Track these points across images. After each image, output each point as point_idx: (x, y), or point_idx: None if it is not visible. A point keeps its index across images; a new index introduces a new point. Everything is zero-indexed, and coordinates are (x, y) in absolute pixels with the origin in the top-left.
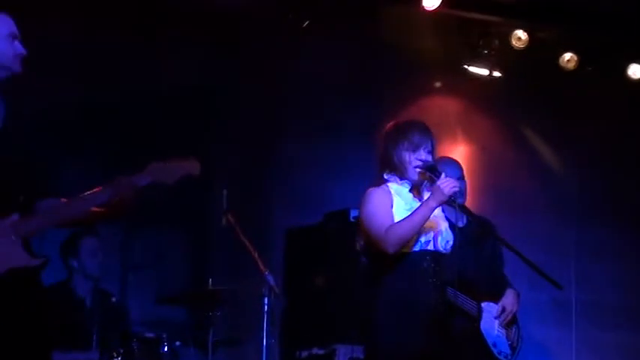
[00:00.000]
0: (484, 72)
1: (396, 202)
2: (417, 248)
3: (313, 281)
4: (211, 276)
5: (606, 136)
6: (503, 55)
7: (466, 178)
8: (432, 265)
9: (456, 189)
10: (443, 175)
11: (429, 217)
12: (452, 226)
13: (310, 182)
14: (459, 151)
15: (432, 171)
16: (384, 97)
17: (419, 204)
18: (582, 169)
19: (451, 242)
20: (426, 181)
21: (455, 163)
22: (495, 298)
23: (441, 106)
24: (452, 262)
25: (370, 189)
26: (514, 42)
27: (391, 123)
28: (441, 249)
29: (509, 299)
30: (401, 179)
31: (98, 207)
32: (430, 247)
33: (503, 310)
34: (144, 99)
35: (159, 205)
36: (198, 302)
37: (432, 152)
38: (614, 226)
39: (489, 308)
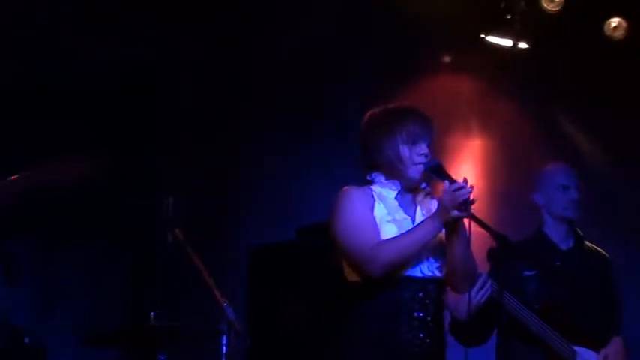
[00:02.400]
0: (507, 43)
1: (377, 210)
2: (399, 272)
3: (285, 314)
4: (154, 308)
5: None
6: (532, 22)
7: (472, 183)
8: (419, 295)
9: (466, 198)
10: (447, 184)
11: (433, 237)
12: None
13: (281, 191)
14: (474, 147)
15: (439, 174)
16: (377, 78)
17: (404, 216)
18: (633, 170)
19: (440, 265)
20: (425, 185)
21: (568, 171)
22: (596, 345)
23: (451, 88)
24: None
25: (347, 188)
26: (545, 4)
27: (378, 109)
28: (428, 274)
29: (613, 349)
30: (388, 179)
31: None
32: (417, 272)
33: None
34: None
35: (87, 219)
36: (138, 341)
37: (430, 144)
38: None
39: (586, 355)
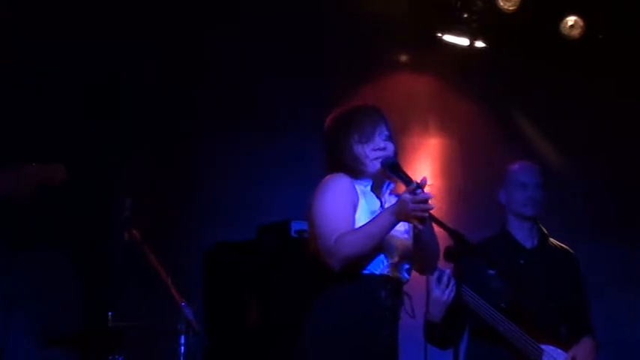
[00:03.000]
0: (464, 42)
1: (361, 206)
2: (377, 270)
3: (244, 314)
4: (111, 309)
5: (622, 125)
6: (488, 20)
7: (431, 182)
8: (392, 296)
9: (426, 215)
10: (407, 195)
11: (390, 231)
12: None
13: (240, 188)
14: (432, 144)
15: (394, 170)
16: (335, 77)
17: (380, 210)
18: (586, 162)
19: (408, 267)
20: (387, 181)
21: (528, 169)
22: (565, 344)
23: (408, 87)
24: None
25: (333, 176)
26: (502, 3)
27: (334, 112)
28: (402, 276)
29: (582, 348)
30: (356, 179)
31: None
32: (394, 273)
33: None
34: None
35: (43, 221)
36: (95, 343)
37: (390, 138)
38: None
39: (554, 354)
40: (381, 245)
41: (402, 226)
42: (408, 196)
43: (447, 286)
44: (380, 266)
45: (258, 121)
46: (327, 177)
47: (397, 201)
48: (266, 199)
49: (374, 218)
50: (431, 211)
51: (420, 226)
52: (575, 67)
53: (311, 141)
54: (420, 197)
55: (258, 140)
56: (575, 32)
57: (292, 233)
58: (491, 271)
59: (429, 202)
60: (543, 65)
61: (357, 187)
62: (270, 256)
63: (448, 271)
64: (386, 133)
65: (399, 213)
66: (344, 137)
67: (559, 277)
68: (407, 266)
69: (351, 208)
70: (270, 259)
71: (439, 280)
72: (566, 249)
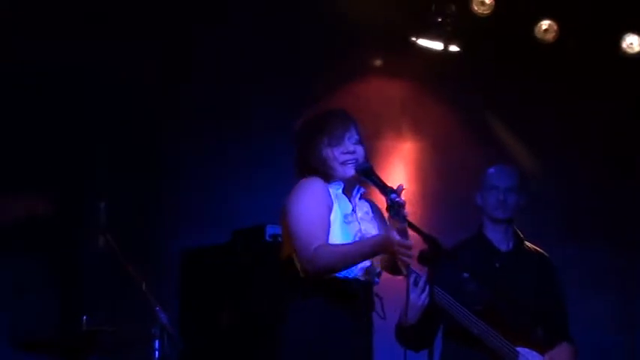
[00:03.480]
0: (438, 46)
1: (335, 210)
2: (350, 274)
3: (219, 318)
4: (85, 313)
5: (596, 129)
6: (463, 24)
7: (403, 188)
8: (365, 299)
9: (408, 261)
10: (396, 236)
11: (369, 259)
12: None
13: (214, 192)
14: (405, 150)
15: (368, 176)
16: (308, 82)
17: (351, 219)
18: (565, 171)
19: (380, 272)
20: (357, 185)
21: (502, 171)
22: (541, 347)
23: (382, 91)
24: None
25: (307, 180)
26: (476, 7)
27: (304, 116)
28: (373, 280)
29: (560, 354)
30: (328, 182)
31: None
32: (367, 276)
33: None
34: None
35: (13, 223)
36: (69, 347)
37: (360, 142)
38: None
39: (529, 356)
40: None
41: (373, 230)
42: (396, 238)
43: (423, 290)
44: (353, 270)
45: (233, 124)
46: (302, 181)
47: (383, 237)
48: (241, 203)
49: (358, 241)
50: (406, 215)
51: (403, 270)
52: (548, 71)
53: (285, 147)
54: (405, 243)
55: (233, 143)
56: (550, 36)
57: (267, 237)
58: (465, 274)
59: (405, 207)
60: (517, 69)
61: (330, 190)
62: (245, 260)
63: (423, 275)
64: (356, 136)
65: (384, 248)
66: (314, 141)
67: (534, 281)
68: (378, 270)
69: (327, 212)
70: (245, 264)
71: (415, 283)
72: (541, 253)
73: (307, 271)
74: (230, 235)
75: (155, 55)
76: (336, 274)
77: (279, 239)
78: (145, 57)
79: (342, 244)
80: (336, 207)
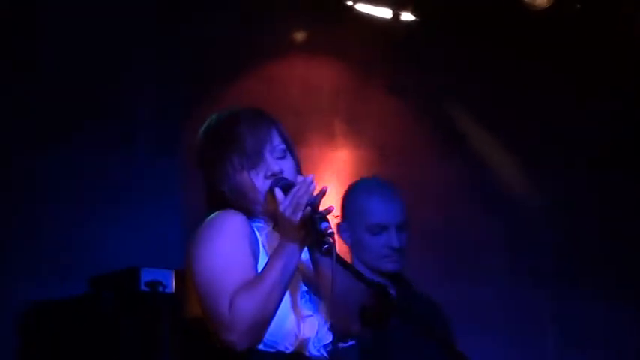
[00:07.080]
0: (385, 13)
1: (263, 256)
2: (281, 346)
3: None
4: None
5: (599, 124)
6: None
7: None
8: None
9: (306, 198)
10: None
11: (296, 260)
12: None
13: (68, 228)
14: (340, 158)
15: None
16: (210, 68)
17: None
18: (553, 179)
19: (327, 341)
20: None
21: (394, 197)
22: None
23: (306, 78)
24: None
25: (222, 214)
26: None
27: (204, 125)
28: (315, 352)
29: None
30: (251, 218)
31: None
32: (303, 348)
33: None
34: None
35: None
36: None
37: (288, 150)
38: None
39: None
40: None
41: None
42: (280, 196)
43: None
44: (282, 340)
45: (90, 132)
46: (215, 215)
47: (278, 216)
48: (101, 240)
49: (271, 258)
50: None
51: (311, 214)
52: (537, 48)
53: (168, 163)
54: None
55: (89, 159)
56: (542, 1)
57: (142, 286)
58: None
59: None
60: (490, 46)
61: (255, 229)
62: (109, 317)
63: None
64: (280, 146)
65: (288, 220)
66: (221, 164)
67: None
68: (318, 339)
69: (251, 257)
70: (109, 322)
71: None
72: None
73: (231, 342)
74: (87, 283)
75: None
76: (267, 348)
77: (168, 290)
78: None
79: (250, 280)
80: (263, 252)
